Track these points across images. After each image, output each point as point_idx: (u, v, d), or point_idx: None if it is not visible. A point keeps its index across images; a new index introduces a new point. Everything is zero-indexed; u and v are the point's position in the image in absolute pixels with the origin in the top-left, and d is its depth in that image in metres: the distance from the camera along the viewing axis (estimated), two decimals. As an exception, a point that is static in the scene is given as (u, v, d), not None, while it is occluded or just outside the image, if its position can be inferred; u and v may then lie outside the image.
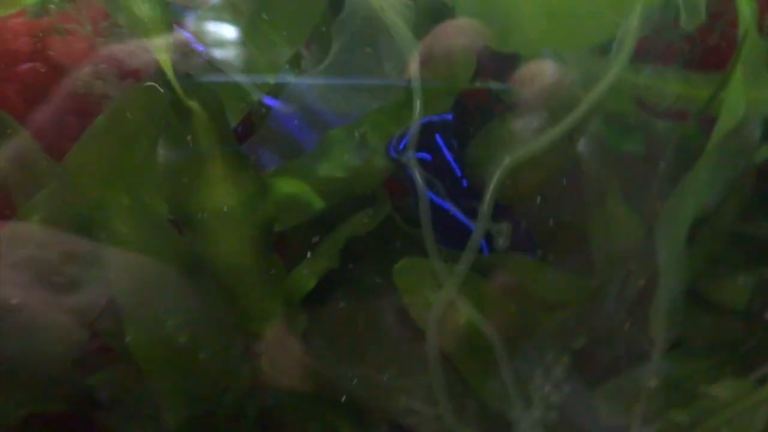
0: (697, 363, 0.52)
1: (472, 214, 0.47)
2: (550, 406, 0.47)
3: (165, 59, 0.43)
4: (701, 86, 0.51)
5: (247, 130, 0.49)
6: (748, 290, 0.52)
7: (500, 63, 0.55)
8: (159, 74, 0.44)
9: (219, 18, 0.46)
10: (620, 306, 0.51)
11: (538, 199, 0.49)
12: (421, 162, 0.46)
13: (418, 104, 0.46)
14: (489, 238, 0.48)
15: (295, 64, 0.51)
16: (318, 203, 0.48)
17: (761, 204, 0.54)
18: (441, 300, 0.46)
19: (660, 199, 0.51)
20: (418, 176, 0.46)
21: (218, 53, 0.46)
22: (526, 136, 0.48)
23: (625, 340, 0.51)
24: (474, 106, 0.52)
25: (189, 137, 0.44)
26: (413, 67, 0.46)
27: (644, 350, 0.51)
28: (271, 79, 0.47)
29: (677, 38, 0.55)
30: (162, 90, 0.43)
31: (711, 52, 0.56)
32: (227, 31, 0.46)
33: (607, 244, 0.51)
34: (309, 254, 0.49)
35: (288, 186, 0.48)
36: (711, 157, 0.48)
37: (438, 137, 0.49)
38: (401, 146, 0.47)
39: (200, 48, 0.46)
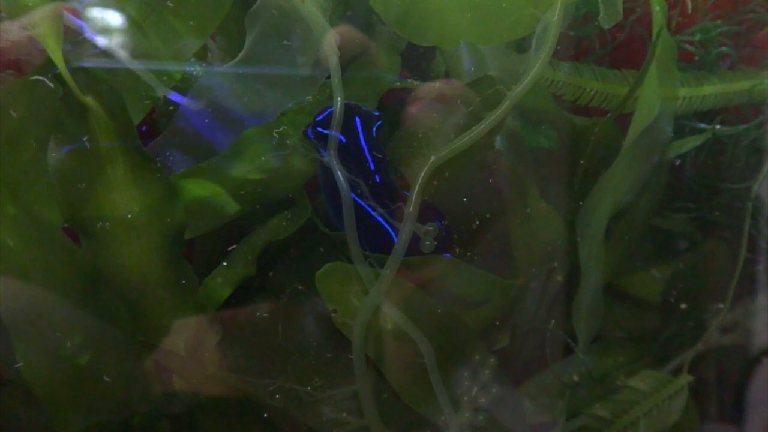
0: (617, 356, 0.53)
1: (389, 211, 0.45)
2: (478, 408, 0.47)
3: (55, 49, 0.38)
4: (616, 83, 0.52)
5: (151, 129, 0.45)
6: (663, 283, 0.53)
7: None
8: (47, 66, 0.39)
9: (117, 5, 0.41)
10: (542, 302, 0.51)
11: (463, 199, 0.47)
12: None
13: (339, 101, 0.43)
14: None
15: (201, 57, 0.47)
16: (232, 207, 0.45)
17: (672, 199, 0.55)
18: (367, 306, 0.44)
19: (578, 195, 0.51)
20: (340, 176, 0.43)
21: (116, 43, 0.41)
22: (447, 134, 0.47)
23: (548, 337, 0.52)
24: (393, 104, 0.50)
25: (85, 137, 0.40)
26: (332, 60, 0.44)
27: (566, 346, 0.52)
28: (177, 73, 0.43)
29: (590, 35, 0.55)
30: (52, 84, 0.39)
31: (620, 49, 0.57)
32: (126, 19, 0.42)
33: (529, 242, 0.51)
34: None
35: (199, 189, 0.44)
36: (628, 154, 0.49)
37: (357, 121, 0.46)
38: (318, 119, 0.44)
39: (95, 37, 0.41)
